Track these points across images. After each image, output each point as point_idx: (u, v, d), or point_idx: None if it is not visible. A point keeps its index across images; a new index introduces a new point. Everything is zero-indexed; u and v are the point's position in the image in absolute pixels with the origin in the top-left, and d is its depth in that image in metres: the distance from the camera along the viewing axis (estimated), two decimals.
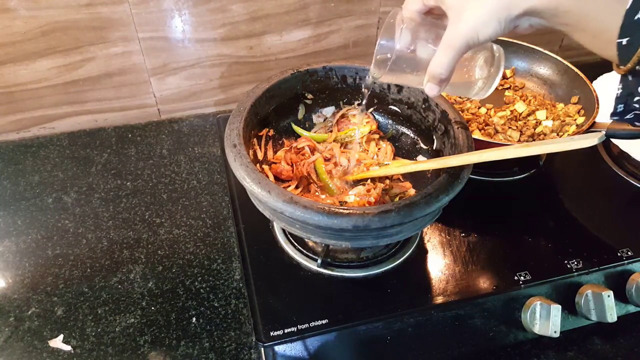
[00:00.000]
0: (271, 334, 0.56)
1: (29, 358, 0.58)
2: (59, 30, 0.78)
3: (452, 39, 0.42)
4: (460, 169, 0.54)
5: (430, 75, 0.45)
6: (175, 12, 0.81)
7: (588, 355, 0.61)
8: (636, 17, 0.31)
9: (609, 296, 0.60)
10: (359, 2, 0.89)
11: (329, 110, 0.74)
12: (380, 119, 0.74)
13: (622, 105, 0.38)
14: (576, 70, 0.82)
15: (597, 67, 0.97)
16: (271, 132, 0.70)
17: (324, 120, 0.74)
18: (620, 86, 0.37)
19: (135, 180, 0.81)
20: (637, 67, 0.33)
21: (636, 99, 0.36)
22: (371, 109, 0.74)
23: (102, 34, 0.80)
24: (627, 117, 0.39)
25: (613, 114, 0.40)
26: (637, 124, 0.39)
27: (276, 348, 0.56)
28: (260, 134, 0.68)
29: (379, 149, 0.71)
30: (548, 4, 0.36)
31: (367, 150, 0.70)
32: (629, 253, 0.66)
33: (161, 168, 0.83)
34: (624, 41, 0.32)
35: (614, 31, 0.32)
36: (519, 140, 0.77)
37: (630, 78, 0.35)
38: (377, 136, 0.72)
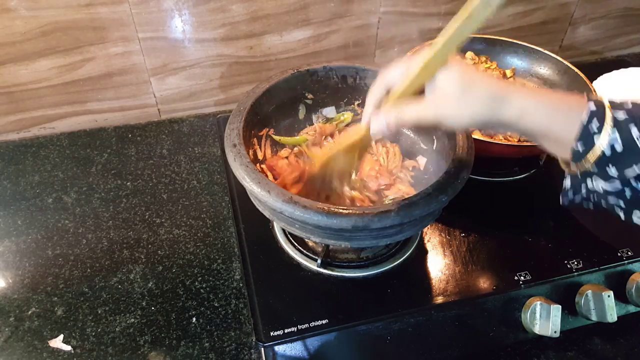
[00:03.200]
0: (271, 334, 0.56)
1: (29, 358, 0.58)
2: (59, 30, 0.78)
3: (422, 112, 0.45)
4: (459, 168, 0.54)
5: (385, 119, 0.47)
6: (175, 12, 0.81)
7: (588, 355, 0.61)
8: (590, 130, 0.39)
9: (609, 296, 0.60)
10: (359, 2, 0.89)
11: (329, 110, 0.74)
12: None
13: (572, 192, 0.46)
14: (576, 70, 0.81)
15: (597, 67, 0.97)
16: (271, 132, 0.70)
17: (326, 121, 0.74)
18: (569, 182, 0.45)
19: (135, 180, 0.81)
20: (590, 169, 0.41)
21: (583, 189, 0.44)
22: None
23: (102, 34, 0.80)
24: (577, 201, 0.47)
25: (564, 201, 0.47)
26: (584, 205, 0.47)
27: (276, 348, 0.56)
28: (261, 133, 0.68)
29: (387, 151, 0.70)
30: (519, 120, 0.42)
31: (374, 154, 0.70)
32: (629, 253, 0.66)
33: (161, 168, 0.83)
34: (579, 146, 0.40)
35: (571, 139, 0.40)
36: (519, 140, 0.77)
37: (579, 177, 0.43)
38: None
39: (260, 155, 0.67)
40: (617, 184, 0.41)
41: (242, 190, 0.58)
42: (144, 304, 0.63)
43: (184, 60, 0.88)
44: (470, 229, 0.70)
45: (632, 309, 0.65)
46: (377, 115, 0.48)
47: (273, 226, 0.69)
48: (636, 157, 0.39)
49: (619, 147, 0.39)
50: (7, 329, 0.60)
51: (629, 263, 0.65)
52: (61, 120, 0.89)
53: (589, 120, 0.40)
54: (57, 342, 0.59)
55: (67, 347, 0.58)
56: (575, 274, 0.64)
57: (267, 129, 0.69)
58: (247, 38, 0.88)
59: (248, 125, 0.61)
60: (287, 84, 0.68)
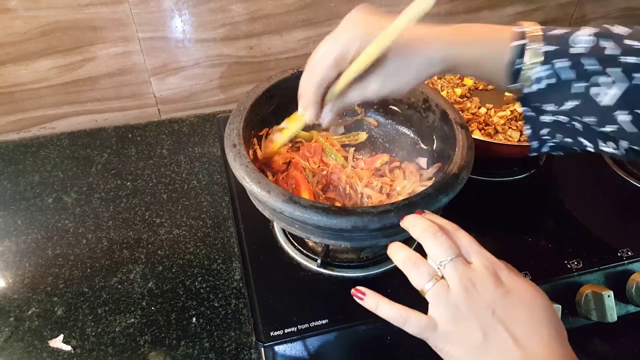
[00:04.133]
0: (271, 334, 0.56)
1: (29, 358, 0.58)
2: (59, 30, 0.78)
3: (369, 92, 0.46)
4: (459, 168, 0.54)
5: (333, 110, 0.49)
6: (175, 12, 0.81)
7: (588, 355, 0.61)
8: (514, 68, 0.42)
9: (609, 296, 0.60)
10: (359, 2, 0.89)
11: None
12: (380, 119, 0.74)
13: (536, 142, 0.46)
14: None
15: None
16: (271, 132, 0.69)
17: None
18: (528, 126, 0.45)
19: (135, 180, 0.81)
20: (527, 108, 0.43)
21: (541, 132, 0.44)
22: (372, 112, 0.74)
23: (102, 34, 0.80)
24: (544, 150, 0.47)
25: (532, 151, 0.47)
26: (553, 153, 0.47)
27: (276, 348, 0.56)
28: (261, 133, 0.68)
29: (403, 174, 0.68)
30: (451, 63, 0.45)
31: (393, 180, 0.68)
32: (629, 253, 0.66)
33: (161, 168, 0.83)
34: (512, 83, 0.43)
35: (502, 77, 0.43)
36: (519, 140, 0.77)
37: (528, 114, 0.44)
38: (397, 164, 0.70)
39: (260, 155, 0.67)
40: (561, 118, 0.42)
41: (242, 190, 0.58)
42: (144, 304, 0.63)
43: (184, 60, 0.88)
44: (470, 229, 0.69)
45: (632, 309, 0.65)
46: (325, 109, 0.49)
47: (273, 226, 0.69)
48: (566, 90, 0.40)
49: (549, 81, 0.40)
50: (7, 329, 0.60)
51: (629, 263, 0.65)
52: (61, 120, 0.89)
53: (515, 57, 0.41)
54: (57, 342, 0.59)
55: (67, 347, 0.58)
56: (575, 274, 0.64)
57: (267, 129, 0.69)
58: (247, 38, 0.88)
59: (248, 125, 0.61)
60: (287, 84, 0.68)
